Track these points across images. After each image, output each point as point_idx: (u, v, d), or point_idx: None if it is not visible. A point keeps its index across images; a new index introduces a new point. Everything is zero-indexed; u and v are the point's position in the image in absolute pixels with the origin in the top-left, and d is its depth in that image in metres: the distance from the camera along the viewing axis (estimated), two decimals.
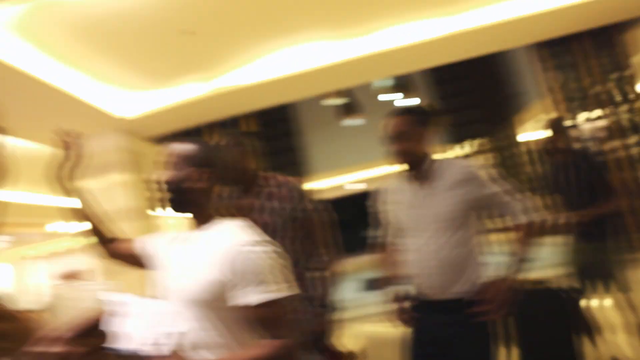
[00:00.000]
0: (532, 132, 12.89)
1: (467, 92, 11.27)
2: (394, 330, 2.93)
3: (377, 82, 8.92)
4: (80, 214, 1.60)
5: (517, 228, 1.78)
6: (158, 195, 4.98)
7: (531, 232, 1.76)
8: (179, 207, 1.31)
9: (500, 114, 10.90)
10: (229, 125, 6.77)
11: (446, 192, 1.79)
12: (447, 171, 1.84)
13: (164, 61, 4.48)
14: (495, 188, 1.78)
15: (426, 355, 1.85)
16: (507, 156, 11.00)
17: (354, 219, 24.67)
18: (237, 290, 1.16)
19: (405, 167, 1.86)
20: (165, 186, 1.30)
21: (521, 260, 1.75)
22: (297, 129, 9.64)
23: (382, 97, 9.29)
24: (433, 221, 1.79)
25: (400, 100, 8.51)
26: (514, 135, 10.60)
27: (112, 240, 1.60)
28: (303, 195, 2.10)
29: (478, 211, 1.83)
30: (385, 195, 2.02)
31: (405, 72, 6.51)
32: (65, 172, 1.61)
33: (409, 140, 1.83)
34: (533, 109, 10.10)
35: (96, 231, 1.59)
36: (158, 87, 4.96)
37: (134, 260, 1.54)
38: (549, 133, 2.92)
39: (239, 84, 5.10)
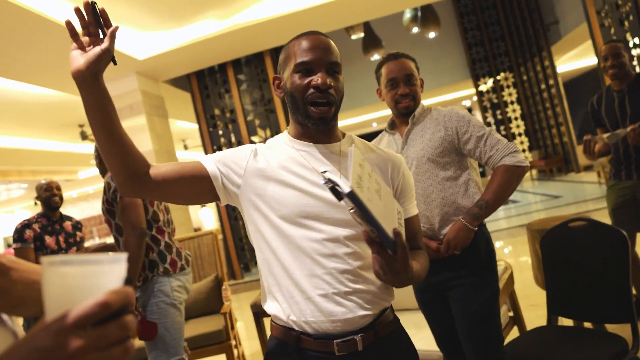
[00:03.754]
0: (570, 63, 12.34)
1: (492, 24, 10.76)
2: None
3: (399, 16, 8.51)
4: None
5: (494, 172, 1.74)
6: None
7: (508, 177, 1.71)
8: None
9: (531, 46, 10.39)
10: (251, 63, 6.60)
11: (429, 136, 1.80)
12: (431, 117, 1.84)
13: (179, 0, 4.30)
14: (476, 136, 1.76)
15: (431, 301, 1.85)
16: (535, 92, 10.59)
17: None
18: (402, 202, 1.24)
19: (404, 111, 1.83)
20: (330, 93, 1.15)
21: (486, 205, 1.71)
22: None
23: (403, 32, 8.89)
24: (418, 162, 1.79)
25: (421, 34, 8.12)
26: (547, 68, 10.14)
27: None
28: None
29: (465, 156, 1.82)
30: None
31: (428, 2, 6.16)
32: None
33: (415, 84, 1.83)
34: (570, 39, 9.57)
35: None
36: (174, 27, 4.79)
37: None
38: (611, 59, 2.68)
39: (256, 20, 4.89)
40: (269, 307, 1.18)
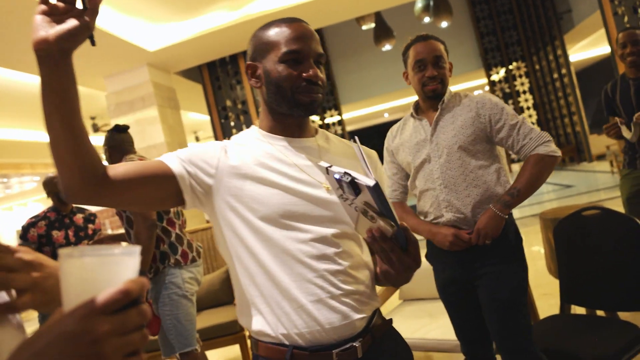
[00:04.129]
0: (582, 52, 12.16)
1: (504, 13, 10.63)
2: (424, 259, 2.94)
3: (410, 5, 8.44)
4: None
5: (526, 161, 1.70)
6: None
7: (541, 166, 1.67)
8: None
9: (543, 35, 10.26)
10: None
11: (460, 123, 1.74)
12: (462, 103, 1.78)
13: None
14: (510, 124, 1.71)
15: (456, 292, 1.80)
16: (548, 81, 10.48)
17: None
18: None
19: (431, 95, 1.76)
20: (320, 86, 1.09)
21: (518, 194, 1.67)
22: (325, 58, 9.34)
23: (414, 21, 8.83)
24: (448, 152, 1.73)
25: (433, 23, 8.06)
26: (560, 57, 10.01)
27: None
28: None
29: (494, 145, 1.77)
30: (394, 136, 1.94)
31: None
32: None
33: (444, 66, 1.76)
34: (583, 27, 9.43)
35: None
36: (185, 18, 4.80)
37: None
38: (630, 45, 2.63)
39: (267, 10, 4.89)
40: (253, 322, 1.07)
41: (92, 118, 8.16)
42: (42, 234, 3.13)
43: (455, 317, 1.86)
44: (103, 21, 4.14)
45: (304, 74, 1.06)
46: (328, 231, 1.05)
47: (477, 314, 1.79)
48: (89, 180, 0.92)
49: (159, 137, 5.44)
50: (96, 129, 8.21)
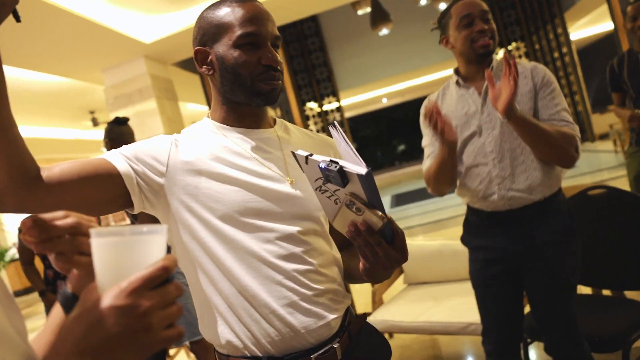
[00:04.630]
0: (583, 29, 12.04)
1: None
2: (428, 244, 2.94)
3: None
4: None
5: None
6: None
7: (563, 137, 1.51)
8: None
9: (543, 13, 10.15)
10: None
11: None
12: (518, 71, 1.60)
13: None
14: (554, 103, 1.57)
15: (496, 276, 1.68)
16: (548, 61, 10.39)
17: (382, 134, 24.42)
18: None
19: (483, 51, 1.60)
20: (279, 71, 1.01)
21: (533, 123, 1.50)
22: (322, 45, 9.26)
23: (411, 4, 8.74)
24: (502, 123, 1.57)
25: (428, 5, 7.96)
26: (560, 36, 9.91)
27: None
28: None
29: None
30: (439, 103, 1.77)
31: None
32: None
33: (492, 22, 1.60)
34: (584, 4, 9.32)
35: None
36: (180, 8, 4.75)
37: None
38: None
39: None
40: (219, 334, 0.96)
41: (92, 112, 8.14)
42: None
43: (490, 303, 1.74)
44: (98, 14, 4.09)
45: (263, 60, 0.97)
46: (294, 228, 0.97)
47: (517, 300, 1.70)
48: (19, 182, 0.80)
49: (158, 129, 5.41)
50: (96, 123, 8.19)
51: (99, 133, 9.58)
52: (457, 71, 1.73)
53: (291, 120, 7.80)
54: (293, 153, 0.86)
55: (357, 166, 0.76)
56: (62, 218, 0.62)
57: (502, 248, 1.65)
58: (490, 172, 1.61)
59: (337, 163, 0.77)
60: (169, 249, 0.55)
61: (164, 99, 5.65)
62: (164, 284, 0.51)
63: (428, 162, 1.73)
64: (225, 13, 0.98)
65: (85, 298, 0.51)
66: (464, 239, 1.81)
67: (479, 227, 1.72)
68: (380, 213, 0.79)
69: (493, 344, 1.75)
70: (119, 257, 0.52)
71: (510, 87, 1.41)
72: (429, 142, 1.75)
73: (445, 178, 1.66)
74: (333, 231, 1.09)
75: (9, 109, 0.77)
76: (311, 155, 0.81)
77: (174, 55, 5.76)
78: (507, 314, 1.72)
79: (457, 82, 1.71)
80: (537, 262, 1.61)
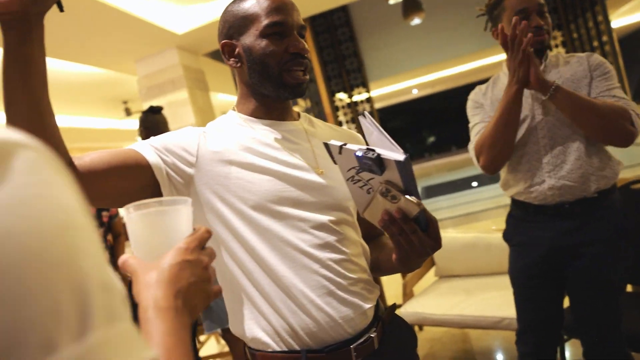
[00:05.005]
0: (625, 17, 11.59)
1: None
2: (461, 236, 2.88)
3: None
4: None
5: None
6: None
7: (615, 111, 1.43)
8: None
9: (582, 0, 9.80)
10: None
11: (569, 76, 1.54)
12: (569, 61, 1.58)
13: None
14: (606, 84, 1.51)
15: (538, 276, 1.63)
16: (587, 50, 10.04)
17: (412, 125, 24.18)
18: None
19: (538, 47, 1.54)
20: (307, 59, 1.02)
21: (570, 94, 1.46)
22: (352, 35, 9.18)
23: None
24: (555, 112, 1.53)
25: None
26: (600, 24, 9.56)
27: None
28: None
29: None
30: (484, 93, 1.74)
31: None
32: None
33: (548, 17, 1.54)
34: None
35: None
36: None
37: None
38: None
39: None
40: (254, 328, 0.95)
41: (125, 102, 8.29)
42: None
43: (529, 303, 1.69)
44: (132, 5, 4.15)
45: (291, 48, 0.97)
46: (326, 218, 0.97)
47: (557, 302, 1.65)
48: None
49: (190, 119, 5.48)
50: (129, 113, 8.34)
51: (132, 123, 9.76)
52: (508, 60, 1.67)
53: (321, 111, 7.79)
54: (325, 143, 0.86)
55: (393, 153, 0.76)
56: None
57: (547, 245, 1.58)
58: (541, 159, 1.55)
59: (373, 151, 0.77)
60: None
61: (195, 89, 5.70)
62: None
63: (478, 136, 1.66)
64: (251, 5, 0.99)
65: (141, 268, 0.60)
66: (506, 235, 1.75)
67: (524, 222, 1.66)
68: (416, 200, 0.79)
69: (528, 346, 1.70)
70: (155, 226, 0.61)
71: (524, 56, 1.39)
72: (479, 120, 1.68)
73: (504, 138, 1.52)
74: (359, 222, 1.10)
75: (48, 97, 0.79)
76: (345, 144, 0.82)
77: (205, 45, 5.80)
78: (546, 316, 1.66)
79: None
80: (583, 259, 1.54)
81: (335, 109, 9.12)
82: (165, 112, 5.37)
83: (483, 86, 1.75)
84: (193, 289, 0.59)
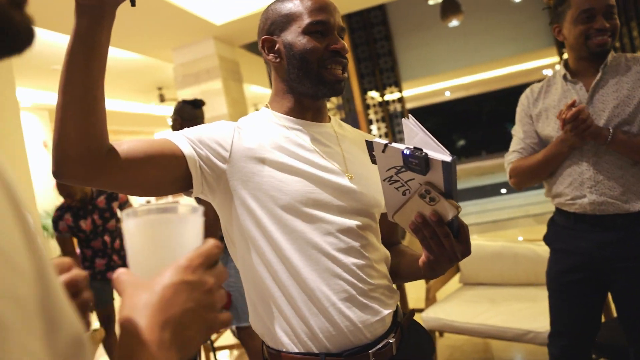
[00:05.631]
0: None
1: None
2: (488, 244, 2.84)
3: None
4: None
5: None
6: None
7: None
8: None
9: (628, 10, 9.49)
10: None
11: (626, 92, 1.49)
12: (631, 68, 1.51)
13: None
14: None
15: (577, 282, 1.60)
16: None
17: (443, 128, 23.97)
18: None
19: (598, 50, 1.50)
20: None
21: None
22: (388, 34, 9.12)
23: None
24: (607, 123, 1.49)
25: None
26: None
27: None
28: None
29: None
30: (536, 97, 1.68)
31: None
32: None
33: (616, 17, 1.48)
34: None
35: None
36: None
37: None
38: None
39: None
40: (273, 328, 0.96)
41: (159, 89, 8.43)
42: (71, 225, 3.11)
43: (565, 308, 1.66)
44: None
45: (332, 46, 0.99)
46: (353, 222, 0.98)
47: (596, 309, 1.63)
48: (94, 152, 0.80)
49: (222, 109, 5.53)
50: (163, 99, 8.48)
51: (165, 109, 9.92)
52: (566, 64, 1.62)
53: (353, 108, 7.76)
54: (368, 141, 0.85)
55: (439, 154, 0.77)
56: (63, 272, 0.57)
57: (589, 253, 1.55)
58: (583, 173, 1.53)
59: (421, 150, 0.78)
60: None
61: (229, 80, 5.76)
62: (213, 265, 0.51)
63: (516, 155, 1.67)
64: (295, 4, 1.02)
65: (132, 287, 0.49)
66: (547, 239, 1.73)
67: (565, 229, 1.63)
68: (455, 203, 0.79)
69: (560, 348, 1.68)
70: (156, 237, 0.50)
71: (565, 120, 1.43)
72: (523, 137, 1.67)
73: (544, 175, 1.62)
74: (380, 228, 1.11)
75: (103, 83, 0.82)
76: (390, 143, 0.82)
77: (242, 37, 5.84)
78: (582, 322, 1.64)
79: (565, 77, 1.60)
80: (629, 273, 1.50)
81: (367, 106, 9.08)
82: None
83: (536, 88, 1.71)
84: (189, 318, 0.48)
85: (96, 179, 0.83)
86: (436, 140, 0.78)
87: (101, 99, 0.81)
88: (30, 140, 6.31)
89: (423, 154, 0.77)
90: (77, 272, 0.57)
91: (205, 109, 5.47)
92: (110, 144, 0.84)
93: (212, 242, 0.50)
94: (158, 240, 0.50)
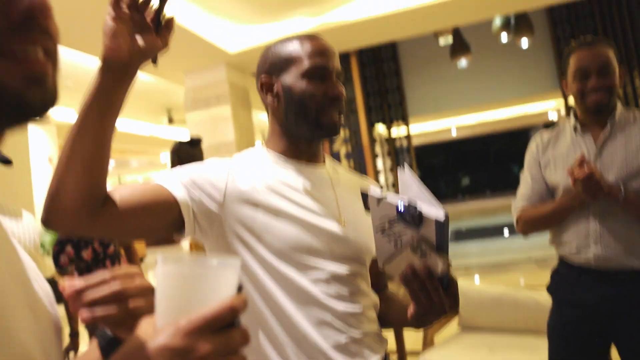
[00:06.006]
0: None
1: (590, 32, 10.06)
2: (488, 290, 2.80)
3: (489, 21, 8.21)
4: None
5: None
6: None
7: None
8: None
9: (630, 59, 9.61)
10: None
11: (635, 147, 1.50)
12: (637, 126, 1.53)
13: None
14: None
15: (581, 335, 1.58)
16: None
17: (448, 165, 24.03)
18: None
19: (593, 108, 1.53)
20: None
21: None
22: (398, 69, 9.24)
23: (490, 40, 8.56)
24: (615, 177, 1.49)
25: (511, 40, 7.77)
26: None
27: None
28: None
29: None
30: (545, 146, 1.69)
31: (521, 10, 5.89)
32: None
33: (614, 75, 1.53)
34: None
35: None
36: (267, 21, 4.90)
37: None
38: None
39: (346, 20, 4.89)
40: None
41: (168, 110, 8.53)
42: (72, 258, 3.07)
43: (565, 357, 1.63)
44: (189, 20, 4.30)
45: (330, 92, 1.00)
46: (344, 269, 0.98)
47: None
48: (91, 207, 0.80)
49: (230, 135, 5.57)
50: (171, 120, 8.56)
51: (173, 130, 10.00)
52: (575, 114, 1.64)
53: (359, 142, 7.81)
54: (364, 194, 0.86)
55: (435, 210, 0.77)
56: (107, 283, 0.57)
57: (594, 306, 1.53)
58: (589, 226, 1.52)
59: (415, 207, 0.78)
60: (240, 288, 0.49)
61: (238, 107, 5.82)
62: (228, 327, 0.45)
63: (524, 203, 1.68)
64: (295, 47, 1.03)
65: (136, 335, 0.47)
66: (551, 289, 1.71)
67: (569, 281, 1.62)
68: (446, 259, 0.80)
69: None
70: (183, 290, 0.46)
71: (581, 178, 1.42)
72: (531, 184, 1.68)
73: (552, 225, 1.63)
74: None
75: (111, 140, 0.82)
76: (385, 197, 0.82)
77: (253, 66, 5.85)
78: None
79: (575, 125, 1.62)
80: (632, 331, 1.48)
81: (373, 140, 9.14)
82: (207, 125, 5.49)
83: (546, 136, 1.71)
84: None
85: (88, 230, 0.84)
86: (430, 194, 0.79)
87: (109, 150, 0.82)
88: (35, 154, 6.34)
89: (417, 211, 0.77)
90: (142, 281, 0.58)
91: (212, 134, 5.52)
92: (107, 194, 0.84)
93: (226, 302, 0.44)
94: (175, 292, 0.46)
